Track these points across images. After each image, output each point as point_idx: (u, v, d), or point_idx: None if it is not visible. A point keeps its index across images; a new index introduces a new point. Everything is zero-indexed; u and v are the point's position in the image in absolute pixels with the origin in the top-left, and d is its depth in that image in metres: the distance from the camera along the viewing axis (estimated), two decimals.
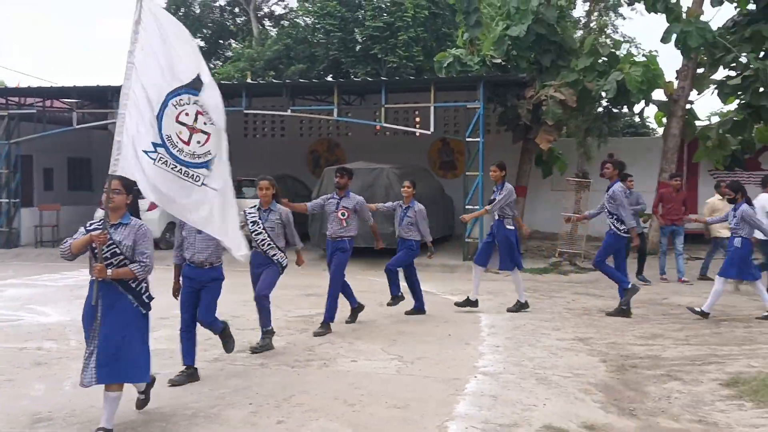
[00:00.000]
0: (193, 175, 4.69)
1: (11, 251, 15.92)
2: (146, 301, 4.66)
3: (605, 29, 14.91)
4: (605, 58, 14.22)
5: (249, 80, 19.88)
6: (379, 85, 14.79)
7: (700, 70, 15.04)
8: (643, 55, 14.57)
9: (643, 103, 14.43)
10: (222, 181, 4.76)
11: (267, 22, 32.41)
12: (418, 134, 17.15)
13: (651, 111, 16.10)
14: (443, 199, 16.52)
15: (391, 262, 8.63)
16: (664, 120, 15.53)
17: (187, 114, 4.70)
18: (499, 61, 14.72)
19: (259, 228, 6.76)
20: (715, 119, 19.37)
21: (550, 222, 16.16)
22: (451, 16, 22.32)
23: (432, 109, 14.12)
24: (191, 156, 4.69)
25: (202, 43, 31.23)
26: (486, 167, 13.90)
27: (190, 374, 5.83)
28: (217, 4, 31.51)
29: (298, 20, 28.36)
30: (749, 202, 8.53)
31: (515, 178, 15.92)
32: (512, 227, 8.80)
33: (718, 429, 4.79)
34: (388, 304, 8.71)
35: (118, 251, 4.51)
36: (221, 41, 32.23)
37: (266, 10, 32.58)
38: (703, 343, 7.25)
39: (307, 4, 27.03)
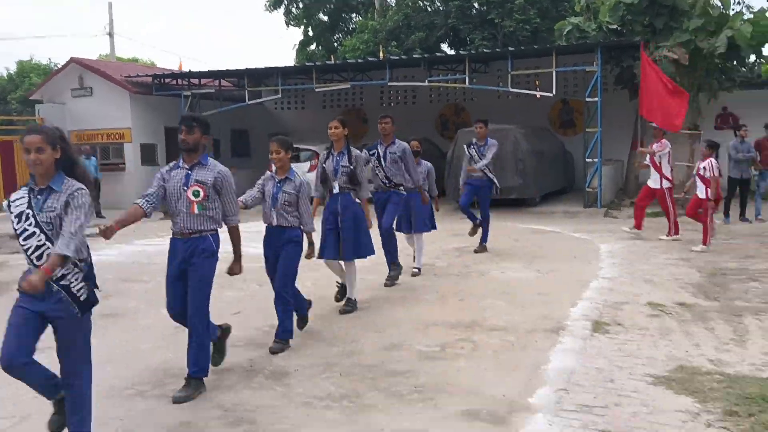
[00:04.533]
0: None
1: None
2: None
3: None
4: (715, 19, 15.31)
5: (382, 55, 22.15)
6: (506, 54, 16.63)
7: None
8: (752, 13, 15.52)
9: (753, 57, 15.46)
10: None
11: None
12: (538, 96, 18.85)
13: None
14: (564, 155, 18.33)
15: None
16: None
17: None
18: (615, 26, 16.14)
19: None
20: None
21: None
22: None
23: (554, 73, 15.81)
24: None
25: (326, 18, 33.76)
26: (604, 124, 15.59)
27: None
28: None
29: None
30: None
31: (631, 133, 17.40)
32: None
33: None
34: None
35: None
36: (344, 15, 34.60)
37: None
38: None
39: None
